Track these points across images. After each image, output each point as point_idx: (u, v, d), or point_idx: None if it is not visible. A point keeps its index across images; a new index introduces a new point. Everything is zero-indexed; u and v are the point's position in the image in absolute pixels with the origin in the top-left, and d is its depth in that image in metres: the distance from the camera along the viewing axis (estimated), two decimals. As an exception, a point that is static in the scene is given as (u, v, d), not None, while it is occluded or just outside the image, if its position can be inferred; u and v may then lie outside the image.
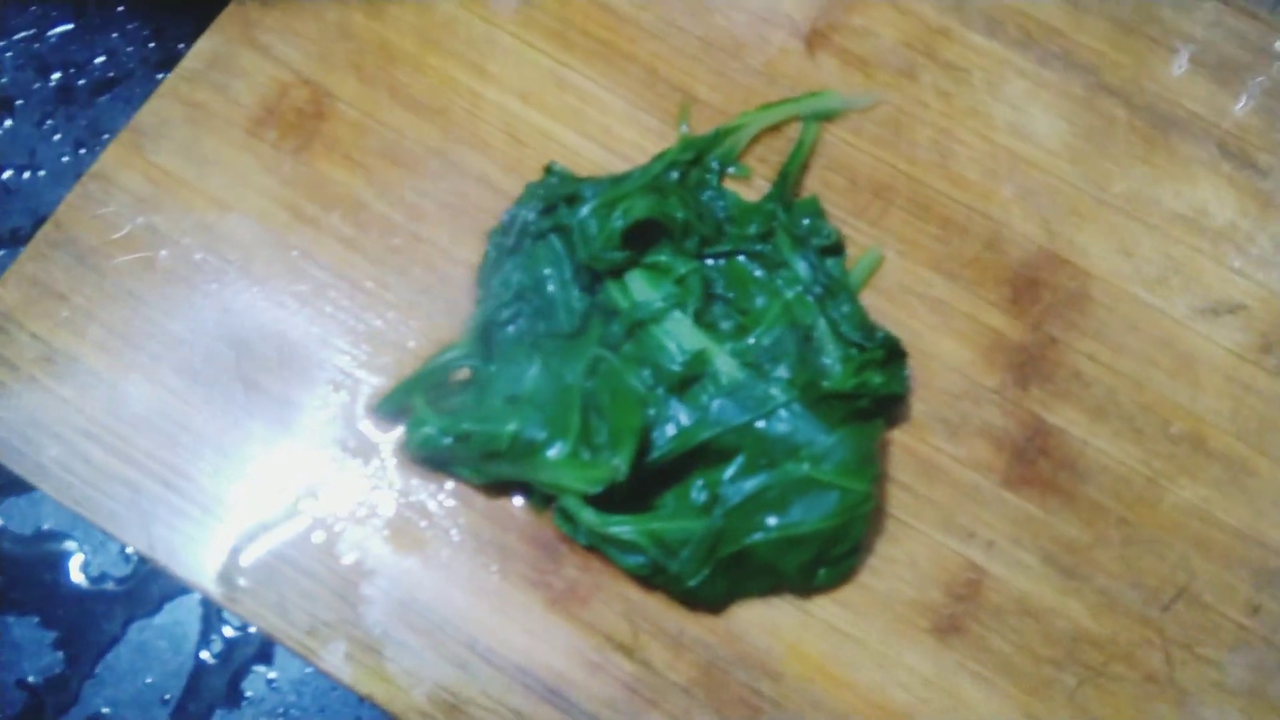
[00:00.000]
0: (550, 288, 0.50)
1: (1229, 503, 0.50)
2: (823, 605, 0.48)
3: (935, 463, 0.50)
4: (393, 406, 0.49)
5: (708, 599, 0.48)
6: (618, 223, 0.50)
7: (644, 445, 0.47)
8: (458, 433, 0.47)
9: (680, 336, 0.49)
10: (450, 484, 0.49)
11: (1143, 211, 0.54)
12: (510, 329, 0.50)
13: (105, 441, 0.49)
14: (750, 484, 0.47)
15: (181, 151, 0.53)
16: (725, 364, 0.48)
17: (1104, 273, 0.53)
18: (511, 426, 0.47)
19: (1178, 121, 0.55)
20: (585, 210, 0.50)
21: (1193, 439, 0.51)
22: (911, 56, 0.56)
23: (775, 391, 0.48)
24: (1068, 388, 0.51)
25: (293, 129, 0.53)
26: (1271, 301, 0.53)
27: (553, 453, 0.47)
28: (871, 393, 0.48)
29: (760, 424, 0.47)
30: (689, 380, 0.48)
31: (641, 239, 0.51)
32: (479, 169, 0.53)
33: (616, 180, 0.52)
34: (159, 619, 0.54)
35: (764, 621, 0.48)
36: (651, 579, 0.47)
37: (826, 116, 0.55)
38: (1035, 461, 0.50)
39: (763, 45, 0.56)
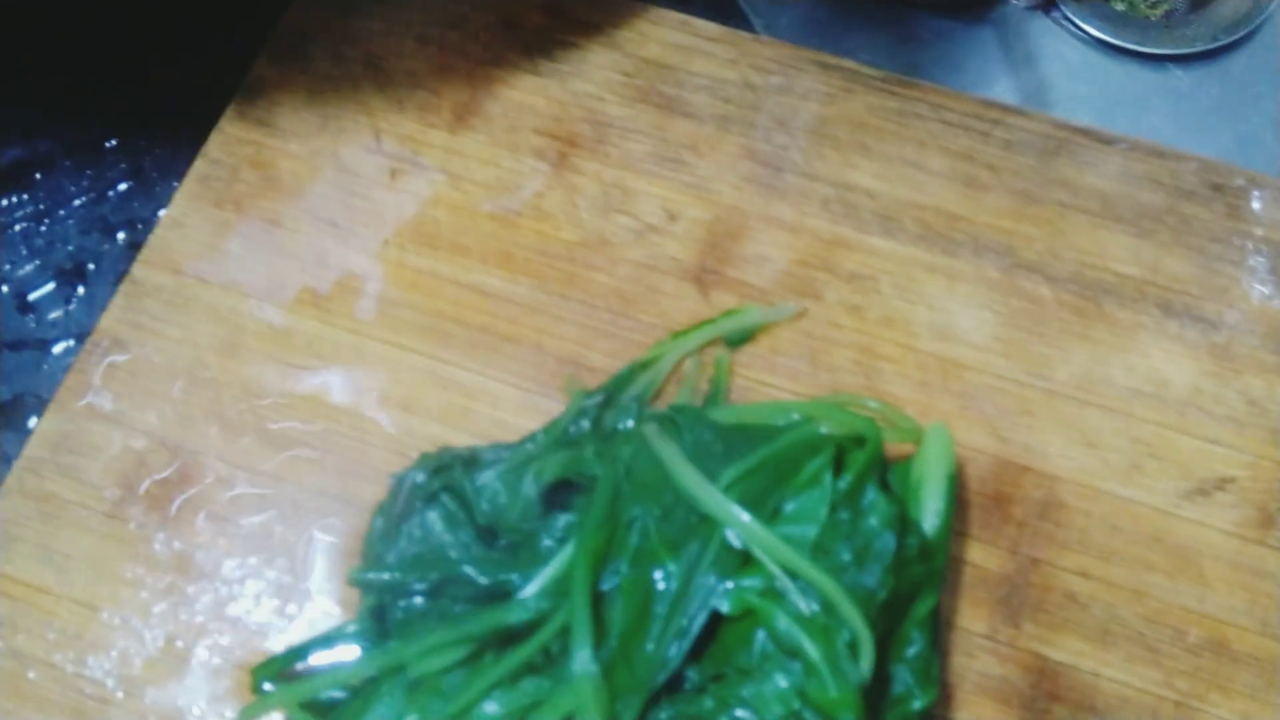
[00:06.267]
0: (452, 554, 0.45)
1: (1271, 713, 0.44)
2: None
3: (938, 735, 0.44)
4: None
5: None
6: (530, 489, 0.44)
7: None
8: None
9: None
10: None
11: (1096, 395, 0.49)
12: (408, 604, 0.44)
13: None
14: None
15: (37, 555, 0.47)
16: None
17: (1071, 472, 0.48)
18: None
19: (1108, 287, 0.51)
20: (490, 475, 0.45)
21: (1214, 645, 0.45)
22: (811, 275, 0.52)
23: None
24: (1064, 615, 0.46)
25: (156, 502, 0.48)
26: (1259, 466, 0.48)
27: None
28: None
29: None
30: None
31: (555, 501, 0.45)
32: (372, 500, 0.48)
33: (518, 445, 0.47)
34: None
35: None
36: None
37: (748, 335, 0.50)
38: (1049, 710, 0.44)
39: (652, 296, 0.51)
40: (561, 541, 0.44)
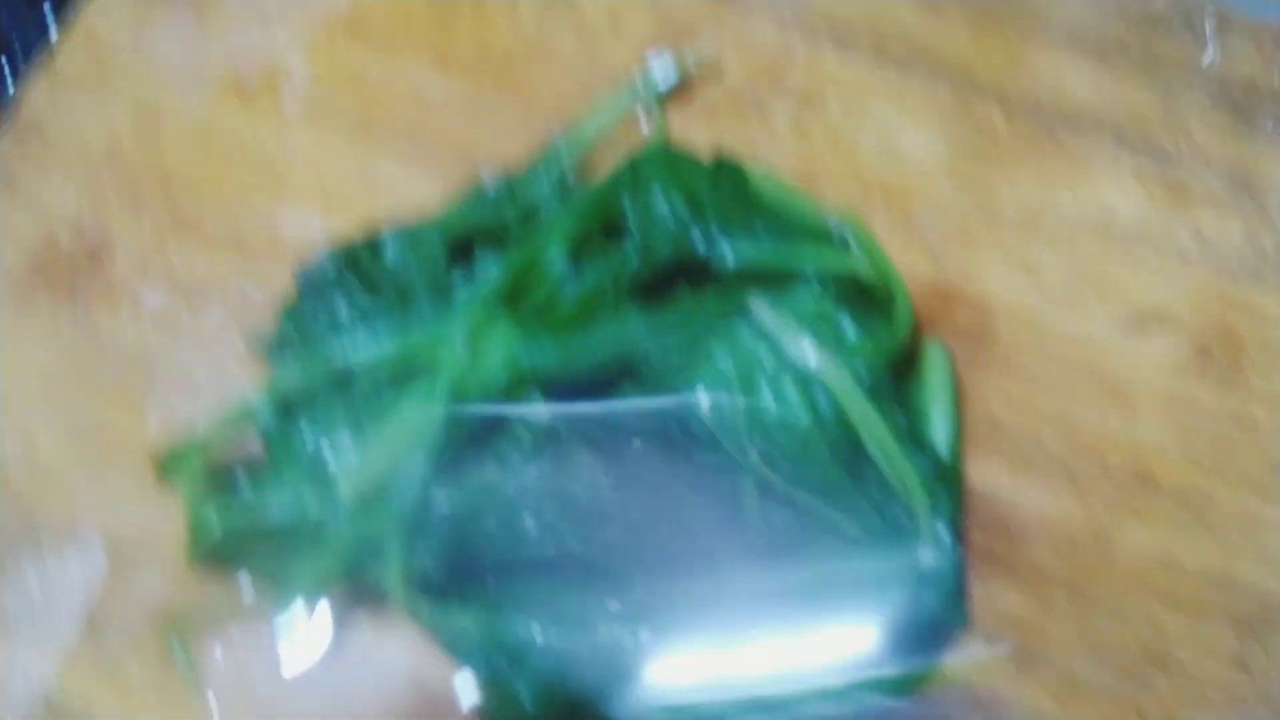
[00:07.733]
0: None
1: (1192, 543, 0.43)
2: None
3: (849, 551, 0.43)
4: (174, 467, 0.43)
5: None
6: (436, 245, 0.44)
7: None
8: (250, 522, 0.41)
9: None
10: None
11: (1041, 224, 0.47)
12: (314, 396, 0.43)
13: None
14: None
15: (-57, 332, 0.46)
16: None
17: (1006, 300, 0.46)
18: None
19: (1064, 115, 0.49)
20: (394, 247, 0.44)
21: (1138, 475, 0.44)
22: (758, 91, 0.50)
23: None
24: (985, 439, 0.44)
25: (65, 284, 0.46)
26: (1202, 303, 0.46)
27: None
28: None
29: None
30: None
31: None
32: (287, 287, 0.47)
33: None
34: None
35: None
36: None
37: (667, 89, 0.49)
38: (966, 532, 0.44)
39: (591, 104, 0.50)
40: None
